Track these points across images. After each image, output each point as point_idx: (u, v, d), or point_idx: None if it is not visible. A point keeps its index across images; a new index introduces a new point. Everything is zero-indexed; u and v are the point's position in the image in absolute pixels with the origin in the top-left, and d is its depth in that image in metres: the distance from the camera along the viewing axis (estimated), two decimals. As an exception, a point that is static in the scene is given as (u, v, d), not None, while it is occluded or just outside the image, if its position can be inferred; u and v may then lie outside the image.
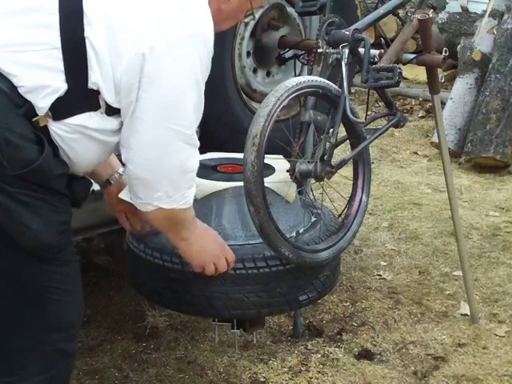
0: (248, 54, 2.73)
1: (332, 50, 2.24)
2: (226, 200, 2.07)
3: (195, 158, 1.72)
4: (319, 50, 2.30)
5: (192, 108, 1.64)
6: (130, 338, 2.80)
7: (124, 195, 1.84)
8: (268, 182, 2.00)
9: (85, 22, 1.56)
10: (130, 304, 3.03)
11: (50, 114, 1.56)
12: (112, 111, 1.63)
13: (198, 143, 1.70)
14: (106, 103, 1.61)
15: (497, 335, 2.83)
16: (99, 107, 1.61)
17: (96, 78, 1.58)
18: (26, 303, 1.63)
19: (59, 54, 1.56)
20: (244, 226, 2.06)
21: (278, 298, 2.04)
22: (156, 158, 1.65)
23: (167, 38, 1.59)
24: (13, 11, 1.59)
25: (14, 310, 1.64)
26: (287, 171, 2.11)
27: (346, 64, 2.16)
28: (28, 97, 1.54)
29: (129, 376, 2.57)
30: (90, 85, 1.58)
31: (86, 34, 1.56)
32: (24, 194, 1.54)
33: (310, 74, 2.38)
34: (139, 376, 2.56)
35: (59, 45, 1.55)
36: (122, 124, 1.66)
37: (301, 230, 2.12)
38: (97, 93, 1.60)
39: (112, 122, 1.65)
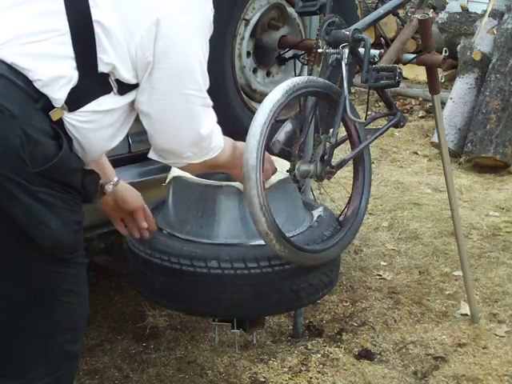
0: (248, 54, 2.72)
1: (332, 50, 2.24)
2: (225, 200, 2.07)
3: (212, 118, 1.77)
4: (319, 50, 2.30)
5: (201, 71, 1.68)
6: (129, 337, 2.80)
7: (152, 155, 1.83)
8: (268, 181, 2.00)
9: (91, 3, 1.54)
10: (130, 304, 3.03)
11: (65, 106, 1.54)
12: (126, 89, 1.63)
13: (211, 103, 1.74)
14: (120, 83, 1.60)
15: (497, 335, 2.83)
16: (111, 89, 1.60)
17: (110, 58, 1.56)
18: (35, 304, 1.61)
19: (68, 39, 1.54)
20: (243, 226, 2.06)
21: (277, 298, 2.04)
22: (175, 126, 1.69)
23: (173, 7, 1.59)
24: (17, 2, 1.57)
25: (23, 311, 1.62)
26: (287, 171, 2.11)
27: (346, 64, 2.16)
28: (44, 90, 1.52)
29: (129, 376, 2.57)
30: (101, 68, 1.56)
31: (94, 17, 1.54)
32: (44, 193, 1.51)
33: (309, 74, 2.38)
34: (139, 376, 2.56)
35: (67, 29, 1.54)
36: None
37: (300, 230, 2.12)
38: (107, 76, 1.58)
39: (125, 101, 1.64)
